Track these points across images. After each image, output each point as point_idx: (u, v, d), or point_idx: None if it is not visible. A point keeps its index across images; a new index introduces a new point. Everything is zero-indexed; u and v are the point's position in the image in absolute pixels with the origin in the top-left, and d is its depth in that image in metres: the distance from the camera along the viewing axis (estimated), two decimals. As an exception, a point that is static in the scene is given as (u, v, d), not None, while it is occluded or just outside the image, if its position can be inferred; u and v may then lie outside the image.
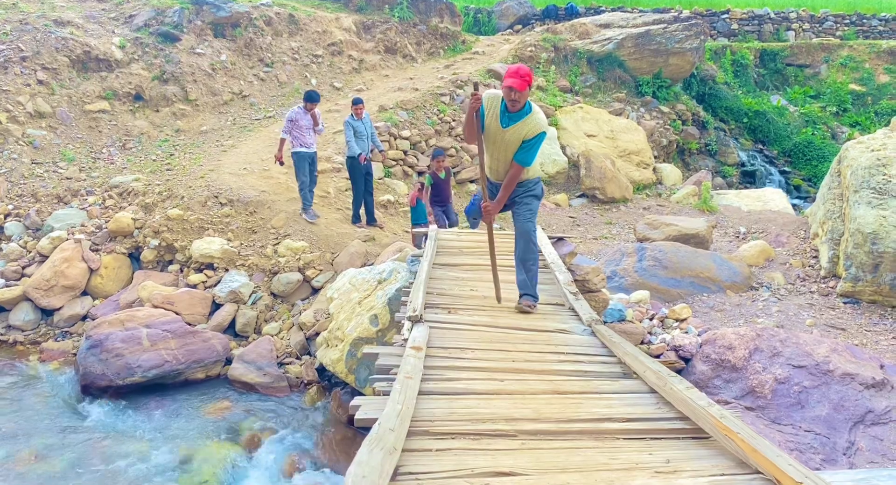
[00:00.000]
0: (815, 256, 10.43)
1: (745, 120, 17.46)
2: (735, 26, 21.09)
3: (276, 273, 8.76)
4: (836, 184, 10.06)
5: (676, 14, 17.10)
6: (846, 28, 21.15)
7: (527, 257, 4.89)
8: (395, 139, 11.61)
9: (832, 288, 9.55)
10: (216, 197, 9.54)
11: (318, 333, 7.78)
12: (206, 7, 13.95)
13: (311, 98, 9.43)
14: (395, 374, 3.15)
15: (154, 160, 11.42)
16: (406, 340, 3.58)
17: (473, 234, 6.81)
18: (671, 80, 15.76)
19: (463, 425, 2.45)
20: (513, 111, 4.67)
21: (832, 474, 1.86)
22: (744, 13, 21.36)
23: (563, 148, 13.14)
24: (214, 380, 7.69)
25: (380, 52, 15.05)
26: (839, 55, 19.29)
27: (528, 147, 4.74)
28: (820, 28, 21.17)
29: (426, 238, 6.73)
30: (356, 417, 2.62)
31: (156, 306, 8.18)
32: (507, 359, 3.41)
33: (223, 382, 7.65)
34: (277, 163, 9.61)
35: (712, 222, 11.09)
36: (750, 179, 16.15)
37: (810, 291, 9.66)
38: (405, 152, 11.75)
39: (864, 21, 21.47)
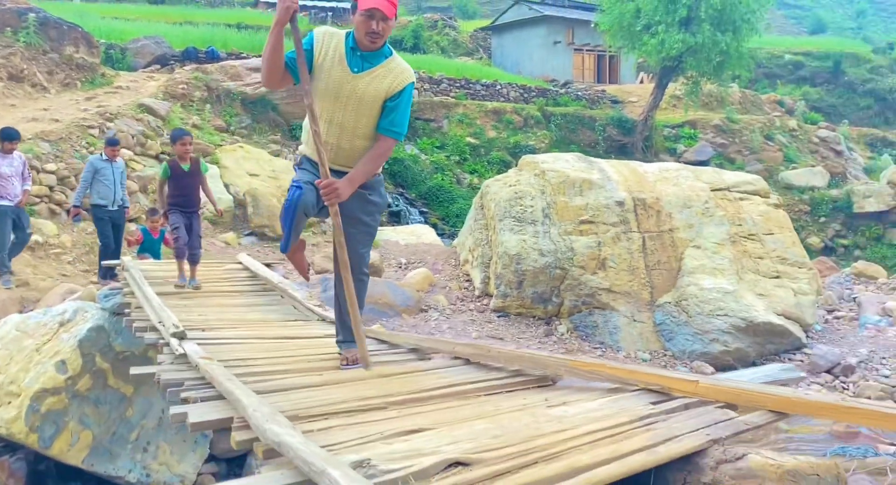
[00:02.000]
0: (469, 280, 11.82)
1: (387, 166, 19.07)
2: (368, 82, 22.95)
3: None
4: (482, 216, 11.58)
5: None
6: (458, 90, 24.53)
7: (354, 294, 3.43)
8: (39, 173, 10.18)
9: (486, 305, 10.94)
10: None
11: (-34, 397, 6.42)
12: None
13: (10, 136, 7.76)
14: (196, 384, 2.91)
15: None
16: (184, 354, 3.29)
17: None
18: (323, 125, 16.53)
19: (323, 408, 2.39)
20: (368, 50, 3.20)
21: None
22: (374, 71, 23.38)
23: (226, 187, 12.89)
24: None
25: (2, 79, 13.07)
26: (456, 113, 22.25)
27: (398, 105, 3.26)
28: (438, 89, 24.20)
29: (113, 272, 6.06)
30: (191, 421, 2.39)
31: None
32: (301, 361, 3.35)
33: None
34: None
35: (379, 254, 11.90)
36: (396, 218, 17.67)
37: (470, 310, 10.92)
38: (51, 188, 10.36)
39: (471, 85, 25.18)
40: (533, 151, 21.30)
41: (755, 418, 1.83)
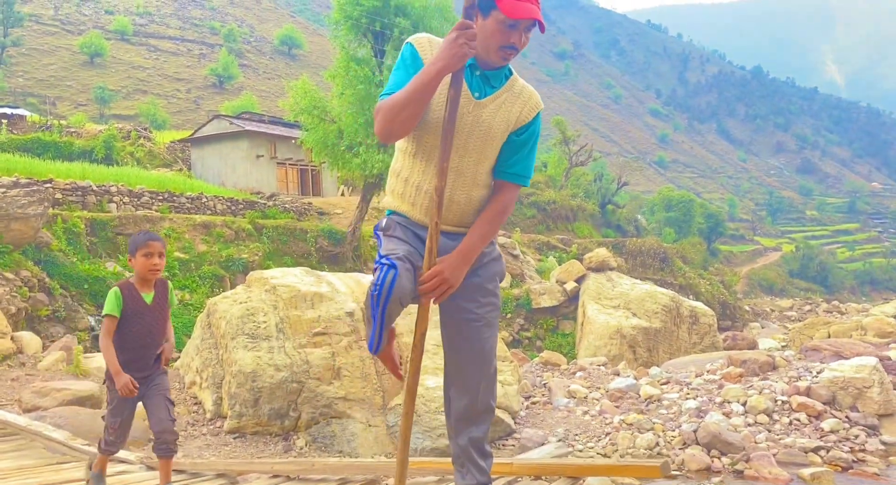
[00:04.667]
0: (198, 403, 11.44)
1: (87, 286, 17.71)
2: (60, 196, 21.31)
3: None
4: (209, 335, 11.45)
5: (16, 179, 16.49)
6: (162, 203, 23.79)
7: (484, 411, 2.66)
8: None
9: (220, 427, 10.67)
10: None
11: None
12: None
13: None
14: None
15: None
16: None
17: None
18: (13, 245, 15.02)
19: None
20: (493, 68, 2.50)
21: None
22: (66, 184, 21.86)
23: None
24: None
25: None
26: (162, 227, 21.52)
27: (527, 141, 2.54)
28: (139, 202, 23.24)
29: None
30: None
31: None
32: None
33: None
34: None
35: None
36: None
37: (203, 434, 10.55)
38: None
39: (175, 198, 24.58)
40: (246, 264, 21.35)
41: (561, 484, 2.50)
